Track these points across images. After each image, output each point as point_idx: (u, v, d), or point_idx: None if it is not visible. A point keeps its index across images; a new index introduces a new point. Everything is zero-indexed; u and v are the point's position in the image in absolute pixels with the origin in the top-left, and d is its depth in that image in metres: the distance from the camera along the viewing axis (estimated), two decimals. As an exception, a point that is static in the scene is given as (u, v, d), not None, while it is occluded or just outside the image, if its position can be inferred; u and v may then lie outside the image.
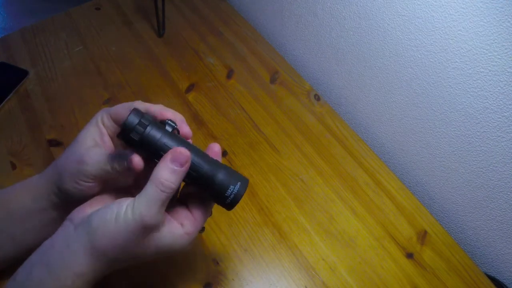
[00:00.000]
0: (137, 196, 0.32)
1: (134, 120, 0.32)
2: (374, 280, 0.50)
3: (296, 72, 0.72)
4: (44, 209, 0.40)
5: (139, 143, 0.32)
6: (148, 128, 0.32)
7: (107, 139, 0.37)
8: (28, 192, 0.40)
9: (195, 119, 0.63)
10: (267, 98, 0.67)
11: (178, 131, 0.36)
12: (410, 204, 0.58)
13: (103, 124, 0.37)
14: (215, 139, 0.61)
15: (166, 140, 0.33)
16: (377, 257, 0.52)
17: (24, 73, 0.65)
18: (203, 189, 0.35)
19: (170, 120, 0.35)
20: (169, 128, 0.34)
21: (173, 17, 0.78)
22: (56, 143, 0.58)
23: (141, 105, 0.36)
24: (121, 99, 0.64)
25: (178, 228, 0.34)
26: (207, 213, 0.37)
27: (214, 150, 0.37)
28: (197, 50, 0.73)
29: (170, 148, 0.33)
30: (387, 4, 0.53)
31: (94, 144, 0.36)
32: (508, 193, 0.51)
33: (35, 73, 0.66)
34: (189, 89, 0.67)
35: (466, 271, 0.52)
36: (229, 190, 0.34)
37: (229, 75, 0.70)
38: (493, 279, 0.54)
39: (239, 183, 0.35)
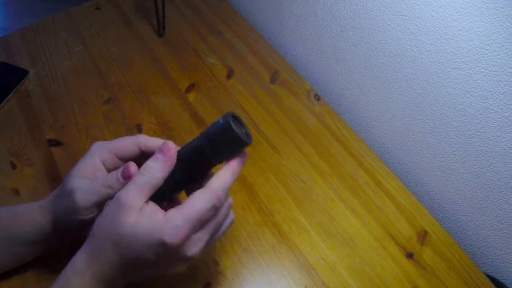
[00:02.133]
0: None
1: None
2: (374, 280, 0.50)
3: (296, 72, 0.72)
4: (41, 232, 0.40)
5: None
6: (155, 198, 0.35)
7: (100, 174, 0.38)
8: (28, 217, 0.40)
9: (195, 119, 0.63)
10: (267, 98, 0.67)
11: None
12: (410, 204, 0.58)
13: (101, 160, 0.38)
14: (215, 139, 0.61)
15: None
16: (377, 257, 0.52)
17: (24, 73, 0.65)
18: (210, 155, 0.34)
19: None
20: None
21: (173, 17, 0.78)
22: (56, 143, 0.58)
23: (142, 139, 0.38)
24: (121, 99, 0.64)
25: (159, 215, 0.32)
26: (198, 199, 0.33)
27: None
28: (197, 50, 0.73)
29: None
30: (387, 4, 0.53)
31: (85, 181, 0.37)
32: (508, 193, 0.51)
33: (35, 73, 0.66)
34: (189, 89, 0.67)
35: (466, 271, 0.52)
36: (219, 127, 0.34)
37: (229, 75, 0.70)
38: (493, 279, 0.54)
39: (221, 119, 0.34)
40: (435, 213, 0.63)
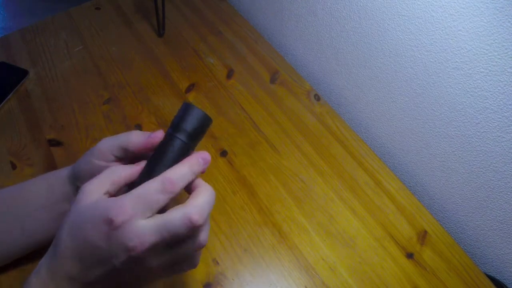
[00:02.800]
0: None
1: None
2: (374, 280, 0.50)
3: (296, 72, 0.72)
4: (58, 201, 0.42)
5: None
6: None
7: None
8: (45, 183, 0.43)
9: (195, 119, 0.63)
10: (267, 98, 0.67)
11: None
12: (410, 204, 0.58)
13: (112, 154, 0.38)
14: (215, 139, 0.61)
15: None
16: (377, 257, 0.52)
17: (24, 73, 0.65)
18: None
19: None
20: None
21: (173, 17, 0.78)
22: (56, 143, 0.58)
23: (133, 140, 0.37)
24: (121, 99, 0.64)
25: (109, 198, 0.32)
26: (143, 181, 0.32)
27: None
28: (197, 50, 0.73)
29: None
30: (387, 4, 0.53)
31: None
32: (508, 193, 0.51)
33: (35, 73, 0.66)
34: (189, 89, 0.67)
35: (466, 271, 0.52)
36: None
37: (229, 75, 0.70)
38: (493, 279, 0.54)
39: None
40: (435, 213, 0.63)
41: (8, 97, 0.62)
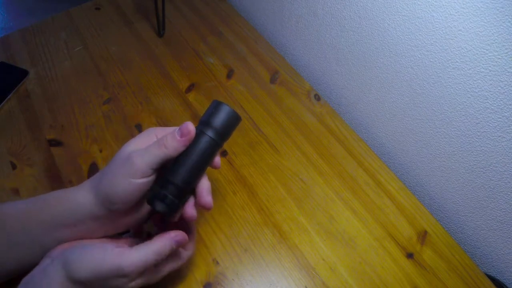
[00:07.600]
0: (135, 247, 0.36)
1: (161, 206, 0.37)
2: (374, 280, 0.50)
3: (296, 72, 0.72)
4: (84, 220, 0.39)
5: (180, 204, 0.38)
6: (173, 197, 0.37)
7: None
8: (63, 205, 0.39)
9: (195, 119, 0.63)
10: (267, 98, 0.67)
11: None
12: (410, 204, 0.58)
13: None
14: (215, 139, 0.61)
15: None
16: (377, 257, 0.52)
17: (24, 73, 0.65)
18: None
19: None
20: None
21: (173, 17, 0.78)
22: (56, 143, 0.58)
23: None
24: (121, 99, 0.64)
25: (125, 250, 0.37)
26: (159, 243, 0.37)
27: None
28: (197, 50, 0.73)
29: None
30: (387, 4, 0.53)
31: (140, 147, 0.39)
32: (508, 193, 0.51)
33: (35, 73, 0.66)
34: (189, 89, 0.67)
35: (466, 271, 0.52)
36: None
37: (229, 75, 0.70)
38: (493, 279, 0.54)
39: (225, 109, 0.38)
40: (435, 213, 0.63)
41: (8, 97, 0.62)
